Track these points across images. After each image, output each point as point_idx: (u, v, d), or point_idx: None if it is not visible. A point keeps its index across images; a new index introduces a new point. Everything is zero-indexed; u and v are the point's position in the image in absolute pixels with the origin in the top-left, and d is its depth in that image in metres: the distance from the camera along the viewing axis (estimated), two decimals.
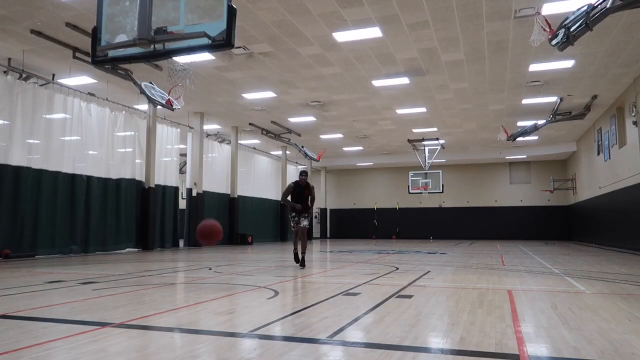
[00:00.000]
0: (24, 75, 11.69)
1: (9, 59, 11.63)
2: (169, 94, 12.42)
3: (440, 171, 25.17)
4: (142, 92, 12.04)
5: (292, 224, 8.57)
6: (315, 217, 30.46)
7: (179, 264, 9.29)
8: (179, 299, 4.94)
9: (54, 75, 12.70)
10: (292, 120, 18.60)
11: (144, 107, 15.03)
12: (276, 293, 5.17)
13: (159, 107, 13.36)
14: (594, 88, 14.29)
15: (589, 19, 6.67)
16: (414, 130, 20.45)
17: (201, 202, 17.58)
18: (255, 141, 22.90)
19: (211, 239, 5.17)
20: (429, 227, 29.40)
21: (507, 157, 26.15)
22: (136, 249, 14.13)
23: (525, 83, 13.84)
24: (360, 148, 25.24)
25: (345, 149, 25.48)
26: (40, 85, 12.18)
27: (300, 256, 8.42)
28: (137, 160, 14.86)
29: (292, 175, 27.25)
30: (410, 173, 25.60)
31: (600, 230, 18.45)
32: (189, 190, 17.70)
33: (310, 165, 27.68)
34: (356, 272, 7.56)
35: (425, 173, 24.59)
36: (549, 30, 7.78)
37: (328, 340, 3.01)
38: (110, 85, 13.56)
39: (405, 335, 3.14)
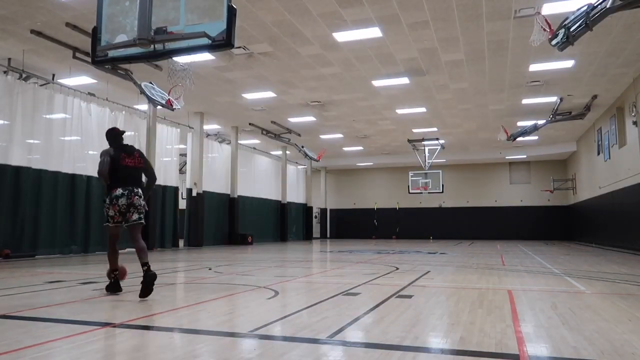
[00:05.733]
0: (24, 75, 11.69)
1: (9, 59, 11.62)
2: (169, 94, 12.42)
3: (440, 171, 25.16)
4: (142, 92, 12.04)
5: None
6: (316, 217, 30.47)
7: (179, 264, 9.29)
8: (179, 299, 4.94)
9: (54, 75, 12.70)
10: (292, 120, 18.60)
11: (144, 107, 15.02)
12: (276, 293, 5.17)
13: (159, 107, 13.35)
14: (594, 88, 14.29)
15: (589, 19, 6.67)
16: (414, 130, 20.45)
17: (201, 202, 17.58)
18: (255, 141, 22.89)
19: None
20: (429, 227, 29.39)
21: (507, 157, 26.14)
22: None
23: (525, 83, 13.84)
24: (360, 148, 25.24)
25: (345, 149, 25.47)
26: (40, 85, 12.18)
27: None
28: None
29: (292, 175, 27.26)
30: (410, 173, 25.60)
31: (600, 230, 18.44)
32: (189, 190, 17.69)
33: (310, 165, 27.69)
34: (356, 272, 7.56)
35: (425, 173, 24.58)
36: (549, 30, 7.78)
37: (328, 340, 3.01)
38: (110, 85, 13.55)
39: (405, 335, 3.14)
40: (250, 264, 9.35)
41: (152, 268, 4.70)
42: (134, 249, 4.91)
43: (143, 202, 5.10)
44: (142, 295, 4.61)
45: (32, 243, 11.25)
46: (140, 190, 5.12)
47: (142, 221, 5.05)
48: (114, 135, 5.23)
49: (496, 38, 10.56)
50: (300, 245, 19.35)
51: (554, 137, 21.68)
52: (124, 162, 5.04)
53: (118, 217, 4.93)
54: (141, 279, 4.65)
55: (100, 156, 5.01)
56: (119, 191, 4.93)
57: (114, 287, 5.04)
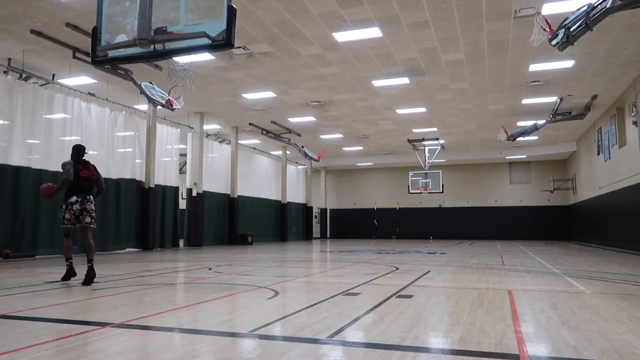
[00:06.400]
0: (24, 75, 11.69)
1: (9, 59, 11.62)
2: (169, 94, 12.41)
3: (440, 171, 25.16)
4: (142, 92, 12.04)
5: None
6: (316, 217, 30.48)
7: (179, 264, 9.29)
8: (179, 299, 4.94)
9: (54, 75, 12.69)
10: (292, 120, 18.60)
11: (144, 107, 15.03)
12: (276, 293, 5.17)
13: (159, 107, 13.35)
14: (594, 88, 14.29)
15: (589, 19, 6.67)
16: (414, 130, 20.45)
17: (201, 202, 17.58)
18: (255, 141, 22.89)
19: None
20: (429, 227, 29.39)
21: (507, 157, 26.15)
22: (136, 249, 14.10)
23: (525, 83, 13.83)
24: (360, 148, 25.24)
25: (345, 149, 25.48)
26: (40, 85, 12.17)
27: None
28: (137, 160, 14.85)
29: (292, 175, 27.28)
30: (410, 173, 25.60)
31: (600, 230, 18.44)
32: (189, 190, 17.69)
33: (310, 165, 27.69)
34: (356, 272, 7.56)
35: (425, 173, 24.57)
36: (549, 30, 7.78)
37: (328, 340, 3.01)
38: (110, 85, 13.55)
39: (405, 335, 3.14)
40: (250, 264, 9.35)
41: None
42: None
43: (94, 207, 6.12)
44: (85, 283, 5.71)
45: (32, 243, 11.24)
46: (92, 197, 6.11)
47: (94, 225, 6.10)
48: (79, 150, 6.22)
49: (496, 38, 10.56)
50: (300, 245, 19.35)
51: (554, 137, 21.68)
52: (80, 173, 6.03)
53: (73, 219, 5.94)
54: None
55: (66, 166, 5.98)
56: (74, 198, 5.94)
57: (68, 274, 6.05)
